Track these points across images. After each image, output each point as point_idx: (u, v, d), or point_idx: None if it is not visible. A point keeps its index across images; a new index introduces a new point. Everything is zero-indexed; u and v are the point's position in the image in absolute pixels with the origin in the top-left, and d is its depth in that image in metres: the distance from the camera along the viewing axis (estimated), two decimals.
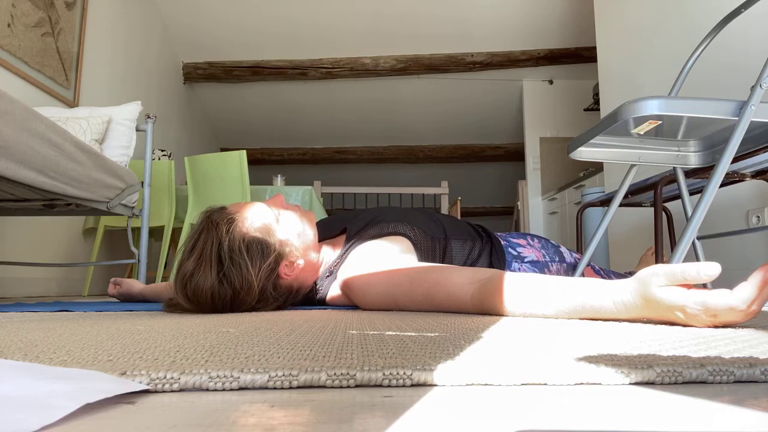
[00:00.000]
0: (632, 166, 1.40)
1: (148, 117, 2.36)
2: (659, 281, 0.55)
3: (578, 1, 4.23)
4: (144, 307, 1.23)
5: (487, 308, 0.77)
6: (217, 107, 5.65)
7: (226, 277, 0.96)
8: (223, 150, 6.35)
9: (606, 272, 1.57)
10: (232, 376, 0.31)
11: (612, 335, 0.49)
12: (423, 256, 1.11)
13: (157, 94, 4.47)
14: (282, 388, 0.31)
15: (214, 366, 0.33)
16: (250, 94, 5.42)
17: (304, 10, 4.33)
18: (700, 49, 1.44)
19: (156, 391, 0.31)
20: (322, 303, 1.14)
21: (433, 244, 1.15)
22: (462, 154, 6.42)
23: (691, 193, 1.76)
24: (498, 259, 1.26)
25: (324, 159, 6.58)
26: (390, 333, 0.53)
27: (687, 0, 2.43)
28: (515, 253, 1.31)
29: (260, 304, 1.00)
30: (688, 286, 0.55)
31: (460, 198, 5.48)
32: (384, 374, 0.32)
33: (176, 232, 3.45)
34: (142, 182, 2.23)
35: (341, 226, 1.21)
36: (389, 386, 0.32)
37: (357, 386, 0.32)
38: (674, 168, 1.44)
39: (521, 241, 1.36)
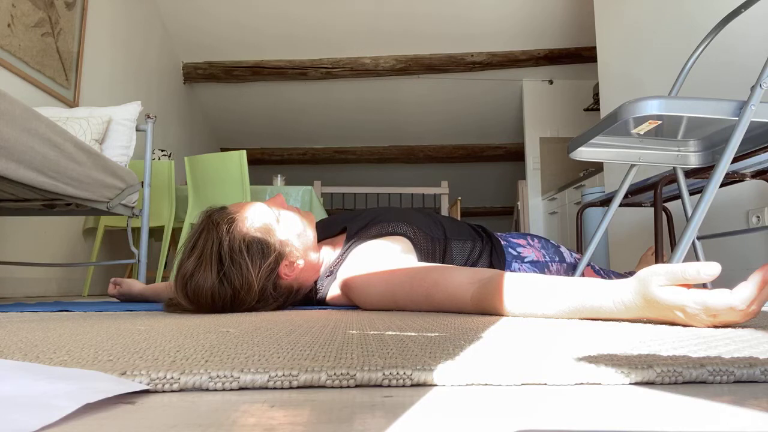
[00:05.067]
0: (632, 166, 1.40)
1: (148, 117, 2.36)
2: (659, 281, 0.55)
3: (578, 1, 4.23)
4: (144, 307, 1.23)
5: (487, 308, 0.77)
6: (217, 107, 5.65)
7: (226, 277, 0.96)
8: (223, 150, 6.35)
9: (606, 272, 1.56)
10: (232, 376, 0.31)
11: (612, 335, 0.49)
12: (422, 256, 1.11)
13: (157, 94, 4.47)
14: (282, 388, 0.31)
15: (214, 366, 0.33)
16: (250, 94, 5.42)
17: (304, 10, 4.33)
18: (700, 49, 1.44)
19: (156, 391, 0.31)
20: (322, 303, 1.14)
21: (433, 244, 1.15)
22: (462, 154, 6.42)
23: (691, 193, 1.76)
24: (498, 260, 1.26)
25: (324, 159, 6.58)
26: (390, 333, 0.53)
27: (687, 0, 2.43)
28: (515, 253, 1.31)
29: (260, 304, 1.00)
30: (688, 286, 0.55)
31: (460, 198, 5.48)
32: (384, 374, 0.32)
33: (176, 232, 3.45)
34: (142, 182, 2.23)
35: (341, 225, 1.21)
36: (389, 386, 0.32)
37: (357, 386, 0.32)
38: (674, 168, 1.44)
39: (521, 241, 1.36)
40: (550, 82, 5.27)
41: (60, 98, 2.95)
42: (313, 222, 1.16)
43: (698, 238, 1.66)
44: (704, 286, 1.36)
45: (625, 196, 1.90)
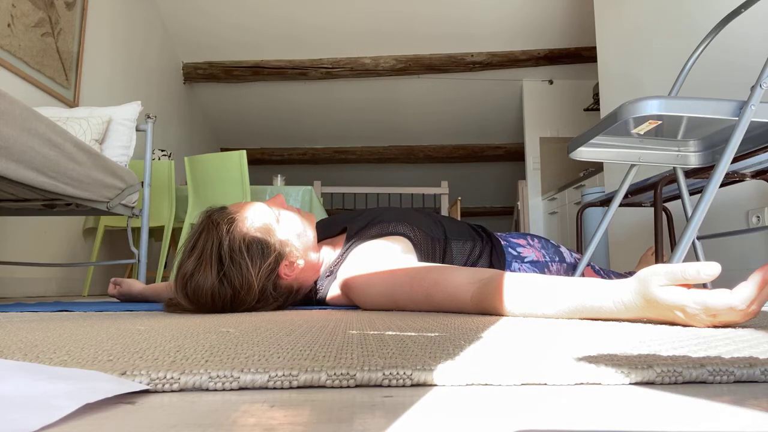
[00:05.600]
0: (632, 166, 1.40)
1: (148, 117, 2.36)
2: (659, 281, 0.55)
3: (578, 1, 4.23)
4: (144, 307, 1.23)
5: (487, 308, 0.77)
6: (217, 107, 5.65)
7: (226, 277, 0.96)
8: (223, 150, 6.35)
9: (606, 272, 1.56)
10: (232, 376, 0.31)
11: (612, 335, 0.49)
12: (422, 256, 1.11)
13: (157, 94, 4.47)
14: (282, 388, 0.31)
15: (214, 366, 0.33)
16: (250, 94, 5.42)
17: (304, 10, 4.33)
18: (700, 49, 1.44)
19: (156, 391, 0.31)
20: (322, 303, 1.14)
21: (433, 245, 1.15)
22: (462, 154, 6.42)
23: (691, 193, 1.76)
24: (498, 260, 1.26)
25: (324, 159, 6.58)
26: (390, 333, 0.53)
27: (687, 0, 2.43)
28: (515, 253, 1.31)
29: (260, 304, 1.00)
30: (688, 286, 0.55)
31: (460, 198, 5.48)
32: (384, 374, 0.32)
33: (176, 232, 3.45)
34: (142, 182, 2.23)
35: (341, 225, 1.21)
36: (389, 386, 0.32)
37: (357, 386, 0.32)
38: (674, 168, 1.44)
39: (521, 241, 1.36)
40: (550, 82, 5.27)
41: (60, 98, 2.95)
42: (313, 222, 1.16)
43: (698, 238, 1.66)
44: (704, 286, 1.36)
45: (625, 196, 1.90)
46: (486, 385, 0.32)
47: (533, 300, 0.69)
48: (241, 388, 0.31)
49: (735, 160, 1.36)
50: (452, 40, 4.67)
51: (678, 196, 1.90)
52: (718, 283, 1.69)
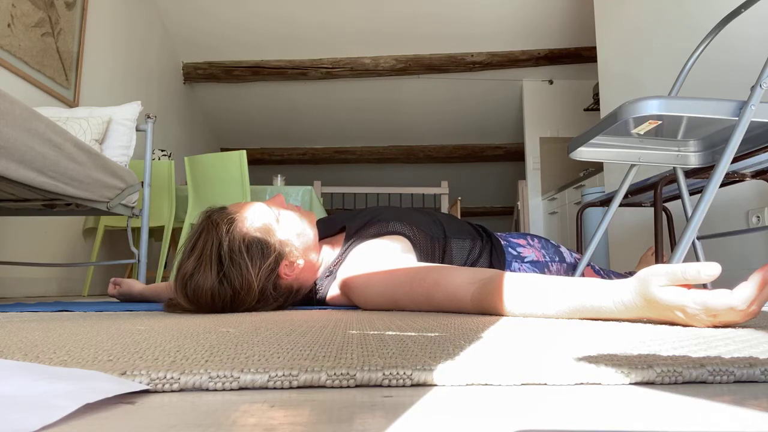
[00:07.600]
0: (632, 166, 1.40)
1: (148, 117, 2.36)
2: (660, 281, 0.55)
3: (578, 1, 4.23)
4: (144, 307, 1.23)
5: (487, 308, 0.77)
6: (217, 107, 5.65)
7: (226, 277, 0.96)
8: (223, 150, 6.35)
9: (606, 272, 1.56)
10: (232, 376, 0.31)
11: (612, 335, 0.49)
12: (422, 255, 1.11)
13: (157, 94, 4.47)
14: (282, 388, 0.31)
15: (214, 366, 0.33)
16: (250, 94, 5.42)
17: (304, 10, 4.33)
18: (700, 49, 1.44)
19: (156, 391, 0.31)
20: (321, 303, 1.14)
21: (433, 244, 1.15)
22: (462, 154, 6.42)
23: (691, 193, 1.76)
24: (498, 259, 1.26)
25: (324, 159, 6.58)
26: (390, 333, 0.53)
27: (687, 0, 2.43)
28: (515, 253, 1.31)
29: (260, 304, 1.00)
30: (689, 286, 0.55)
31: (460, 198, 5.48)
32: (384, 374, 0.32)
33: (176, 232, 3.45)
34: (142, 182, 2.23)
35: (340, 224, 1.21)
36: (389, 386, 0.32)
37: (357, 386, 0.32)
38: (674, 168, 1.44)
39: (521, 241, 1.36)
40: (550, 82, 5.27)
41: (60, 98, 2.95)
42: (313, 221, 1.16)
43: (698, 238, 1.66)
44: (704, 286, 1.36)
45: (625, 196, 1.90)
46: (486, 385, 0.32)
47: (533, 300, 0.69)
48: (241, 388, 0.31)
49: (735, 160, 1.36)
50: (452, 40, 4.67)
51: (678, 196, 1.90)
52: (718, 283, 1.69)
